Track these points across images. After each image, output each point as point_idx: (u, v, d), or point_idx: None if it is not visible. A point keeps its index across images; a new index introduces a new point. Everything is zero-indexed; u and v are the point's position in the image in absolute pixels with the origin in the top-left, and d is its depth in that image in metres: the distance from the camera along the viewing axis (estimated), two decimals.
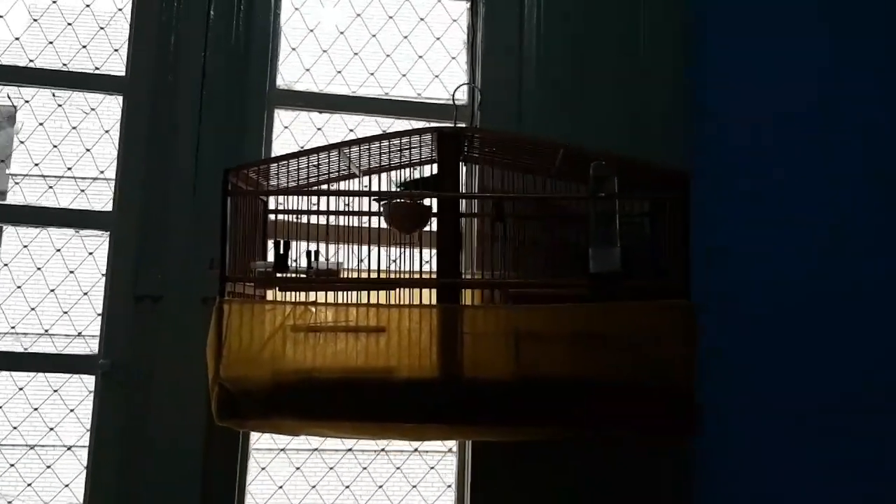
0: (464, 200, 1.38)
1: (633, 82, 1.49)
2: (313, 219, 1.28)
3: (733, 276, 1.47)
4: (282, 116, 1.89)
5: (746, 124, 1.53)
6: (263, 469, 1.96)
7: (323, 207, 1.25)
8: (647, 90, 1.49)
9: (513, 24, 1.51)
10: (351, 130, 1.99)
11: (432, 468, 1.95)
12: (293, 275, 1.20)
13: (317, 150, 1.18)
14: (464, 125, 1.47)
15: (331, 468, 2.06)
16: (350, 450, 1.95)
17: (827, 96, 1.56)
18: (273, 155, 1.45)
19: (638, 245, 1.29)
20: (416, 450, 1.95)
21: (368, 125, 1.83)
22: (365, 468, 2.05)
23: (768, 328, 1.48)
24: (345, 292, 1.19)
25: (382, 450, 1.98)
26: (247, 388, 1.13)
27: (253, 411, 1.14)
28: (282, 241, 1.19)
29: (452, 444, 1.49)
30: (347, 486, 1.95)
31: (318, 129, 2.01)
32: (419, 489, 1.92)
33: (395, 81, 1.98)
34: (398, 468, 2.02)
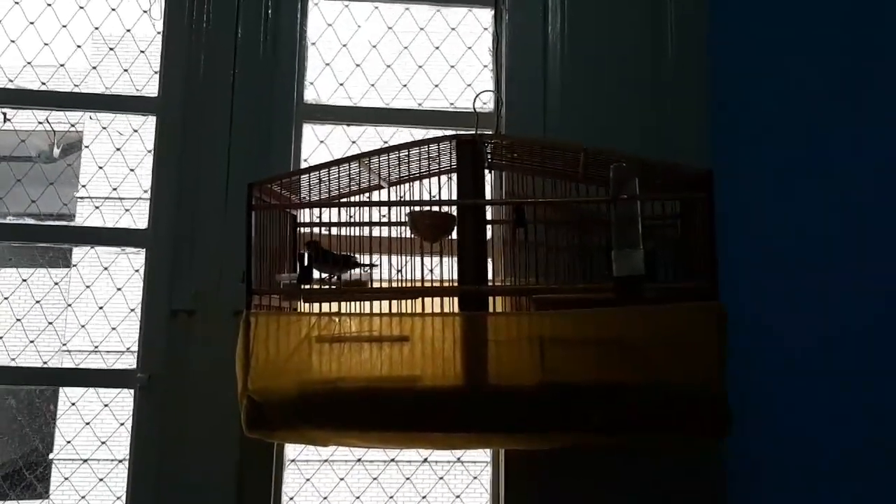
0: (490, 207, 1.39)
1: (657, 86, 1.47)
2: (341, 230, 1.30)
3: (762, 275, 1.44)
4: (317, 131, 1.92)
5: (770, 128, 1.50)
6: (308, 480, 1.99)
7: (349, 218, 1.27)
8: (673, 93, 1.46)
9: (537, 30, 1.50)
10: (385, 142, 2.01)
11: (475, 478, 1.94)
12: (318, 286, 1.21)
13: (337, 163, 1.19)
14: (490, 132, 1.47)
15: (374, 479, 2.07)
16: (393, 460, 1.96)
17: (853, 91, 1.52)
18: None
19: (666, 247, 1.28)
20: (458, 459, 1.95)
21: (403, 137, 1.84)
22: (408, 478, 2.05)
23: (799, 329, 1.44)
24: (369, 302, 1.20)
25: (425, 460, 1.99)
26: (274, 399, 1.15)
27: (281, 422, 1.16)
28: (306, 254, 1.21)
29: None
30: (391, 497, 1.96)
31: (353, 142, 2.03)
32: (462, 499, 1.92)
33: (428, 92, 1.99)
34: (441, 478, 2.02)
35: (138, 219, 1.49)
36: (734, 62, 1.52)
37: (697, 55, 1.49)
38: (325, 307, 1.19)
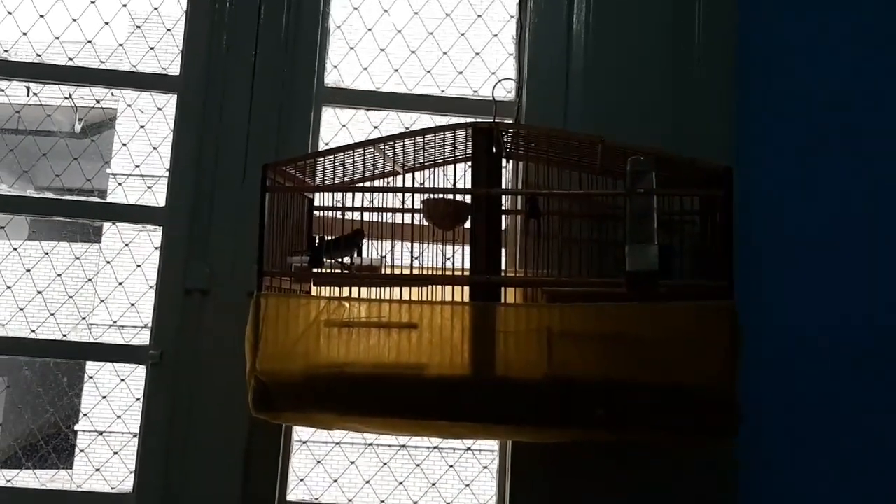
0: (507, 197, 1.38)
1: (682, 78, 1.44)
2: (357, 215, 1.29)
3: (782, 272, 1.42)
4: (339, 115, 1.92)
5: (798, 122, 1.47)
6: (319, 462, 2.00)
7: (365, 204, 1.27)
8: (698, 86, 1.44)
9: (561, 20, 1.48)
10: (407, 128, 2.00)
11: (485, 468, 1.94)
12: (328, 270, 1.21)
13: (351, 147, 1.19)
14: (510, 121, 1.46)
15: (384, 464, 2.07)
16: (404, 446, 1.96)
17: (882, 86, 1.49)
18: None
19: (684, 243, 1.26)
20: (468, 448, 1.94)
21: (424, 123, 1.83)
22: (418, 465, 2.06)
23: (817, 326, 1.42)
24: (379, 288, 1.20)
25: (436, 447, 1.99)
26: (281, 382, 1.15)
27: (287, 404, 1.16)
28: (317, 237, 1.21)
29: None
30: (401, 483, 1.96)
31: (375, 126, 2.03)
32: (472, 488, 1.92)
33: (452, 79, 1.98)
34: (451, 466, 2.01)
35: (161, 196, 1.49)
36: (763, 54, 1.49)
37: (725, 47, 1.46)
38: (335, 291, 1.19)
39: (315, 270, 1.21)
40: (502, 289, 1.21)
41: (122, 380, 1.96)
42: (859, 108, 1.50)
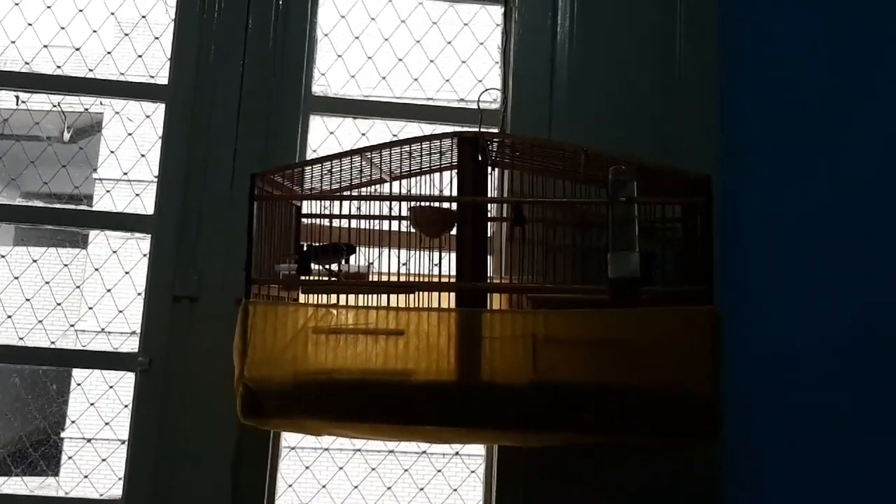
0: (492, 205, 1.40)
1: (666, 87, 1.47)
2: (344, 222, 1.31)
3: (766, 276, 1.44)
4: (327, 122, 1.93)
5: (780, 128, 1.49)
6: (307, 468, 2.01)
7: (353, 211, 1.28)
8: (681, 94, 1.46)
9: (546, 29, 1.50)
10: (394, 136, 2.02)
11: (473, 472, 1.95)
12: (317, 277, 1.22)
13: (338, 156, 1.20)
14: (495, 130, 1.47)
15: (373, 469, 2.08)
16: (392, 451, 1.97)
17: (863, 90, 1.51)
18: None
19: (667, 250, 1.28)
20: (456, 453, 1.96)
21: (412, 130, 1.85)
22: (406, 470, 2.07)
23: (807, 330, 1.44)
24: (366, 295, 1.21)
25: (424, 452, 2.00)
26: (269, 388, 1.16)
27: (275, 411, 1.17)
28: (305, 245, 1.22)
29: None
30: (389, 488, 1.97)
31: (363, 134, 2.04)
32: (459, 493, 1.93)
33: (439, 86, 2.00)
34: (439, 471, 2.03)
35: (149, 203, 1.50)
36: (744, 61, 1.51)
37: (707, 55, 1.48)
38: (323, 299, 1.20)
39: (303, 278, 1.22)
40: (488, 295, 1.23)
41: (111, 386, 1.96)
42: (849, 105, 1.51)
